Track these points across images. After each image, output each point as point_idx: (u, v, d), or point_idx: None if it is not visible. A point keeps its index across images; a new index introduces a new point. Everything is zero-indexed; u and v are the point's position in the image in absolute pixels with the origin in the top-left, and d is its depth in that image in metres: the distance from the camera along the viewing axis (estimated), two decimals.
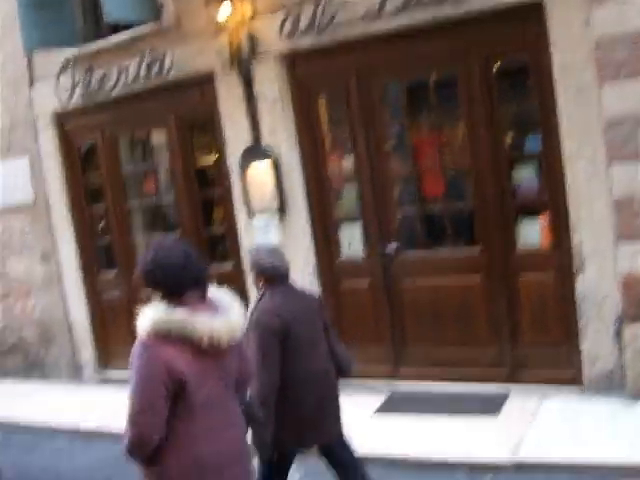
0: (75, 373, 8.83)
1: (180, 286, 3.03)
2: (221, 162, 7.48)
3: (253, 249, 4.44)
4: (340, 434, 4.24)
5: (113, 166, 8.23)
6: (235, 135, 7.20)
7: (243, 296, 7.03)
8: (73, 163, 8.54)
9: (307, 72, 6.91)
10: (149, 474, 3.03)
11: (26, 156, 8.79)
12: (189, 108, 7.59)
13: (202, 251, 7.54)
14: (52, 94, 8.27)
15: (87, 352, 8.67)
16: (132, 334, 3.08)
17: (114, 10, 7.08)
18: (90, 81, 7.85)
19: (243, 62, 7.00)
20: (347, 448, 4.27)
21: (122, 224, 8.28)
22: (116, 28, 7.93)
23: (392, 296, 6.81)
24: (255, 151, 7.10)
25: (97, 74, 7.81)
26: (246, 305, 3.43)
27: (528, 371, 6.27)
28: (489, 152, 6.18)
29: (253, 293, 7.16)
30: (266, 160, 7.01)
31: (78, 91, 7.97)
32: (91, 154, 8.53)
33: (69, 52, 8.06)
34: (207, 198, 7.80)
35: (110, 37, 7.84)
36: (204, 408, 2.98)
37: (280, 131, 6.97)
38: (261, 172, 7.06)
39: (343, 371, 4.27)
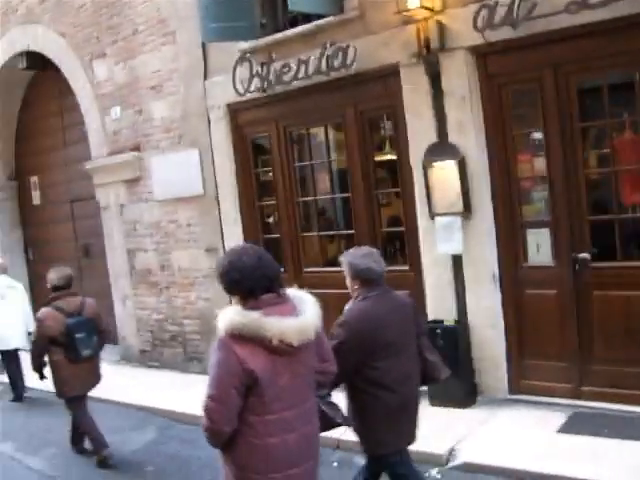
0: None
1: (254, 287, 3.29)
2: (401, 159, 7.33)
3: (349, 252, 4.41)
4: (407, 450, 4.31)
5: (286, 160, 8.22)
6: (419, 131, 7.04)
7: (420, 300, 6.99)
8: (245, 156, 8.60)
9: (499, 67, 6.67)
10: (226, 459, 3.33)
11: (196, 148, 8.95)
12: (370, 102, 7.49)
13: (377, 250, 7.47)
14: (227, 86, 8.35)
15: None
16: None
17: (298, 1, 7.07)
18: (268, 73, 7.85)
19: (431, 55, 6.82)
20: (409, 458, 4.36)
21: (292, 220, 8.26)
22: (294, 20, 7.95)
23: (581, 308, 6.46)
24: (440, 149, 6.91)
25: (275, 66, 7.80)
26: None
27: None
28: None
29: (430, 296, 7.04)
30: (452, 158, 6.81)
31: (254, 83, 7.99)
32: (263, 147, 8.56)
33: (246, 44, 8.12)
34: (384, 196, 7.67)
35: (290, 29, 7.84)
36: (276, 403, 3.22)
37: (468, 128, 6.76)
38: (446, 171, 6.87)
39: (430, 378, 4.35)
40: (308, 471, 3.41)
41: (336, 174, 8.00)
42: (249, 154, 8.60)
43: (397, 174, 7.46)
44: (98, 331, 6.72)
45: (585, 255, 6.40)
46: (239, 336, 3.19)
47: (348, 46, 7.23)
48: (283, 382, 3.24)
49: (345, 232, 7.96)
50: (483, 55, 6.70)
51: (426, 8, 6.72)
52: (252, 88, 8.03)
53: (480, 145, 6.77)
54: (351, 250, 4.46)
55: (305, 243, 8.27)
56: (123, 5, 9.76)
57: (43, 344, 6.49)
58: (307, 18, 7.75)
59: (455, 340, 6.85)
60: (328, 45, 7.36)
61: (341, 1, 7.39)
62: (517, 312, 6.79)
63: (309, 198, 8.25)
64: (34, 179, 13.26)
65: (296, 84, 7.71)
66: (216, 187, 8.76)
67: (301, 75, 7.61)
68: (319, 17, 7.60)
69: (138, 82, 9.69)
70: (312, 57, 7.48)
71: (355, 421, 4.07)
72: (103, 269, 11.53)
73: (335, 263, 7.90)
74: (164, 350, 9.89)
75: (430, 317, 7.11)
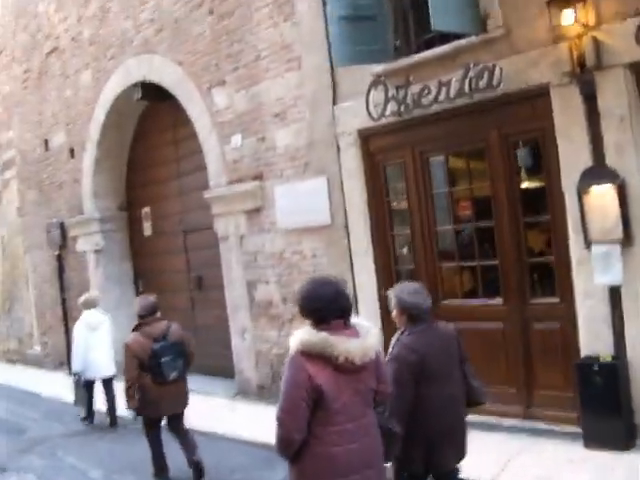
0: None
1: (327, 316, 3.80)
2: (551, 184, 7.04)
3: (398, 286, 4.82)
4: (457, 467, 4.64)
5: (422, 187, 8.02)
6: (571, 155, 6.74)
7: (571, 334, 6.68)
8: (377, 184, 8.43)
9: None
10: (292, 470, 3.82)
11: (324, 176, 8.85)
12: (515, 125, 7.23)
13: (523, 281, 7.20)
14: (358, 111, 8.24)
15: None
16: None
17: (441, 20, 6.91)
18: (405, 97, 7.70)
19: (585, 74, 6.54)
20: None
21: (429, 250, 8.03)
22: (429, 42, 7.80)
23: None
24: (597, 172, 6.58)
25: (413, 89, 7.65)
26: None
27: None
28: None
29: (584, 330, 6.72)
30: (610, 182, 6.49)
31: (390, 107, 7.85)
32: (397, 174, 8.39)
33: (379, 67, 8.01)
34: (532, 224, 7.38)
35: (426, 51, 7.68)
36: (340, 416, 3.71)
37: (627, 150, 6.42)
38: (604, 196, 6.54)
39: (473, 402, 4.73)
40: (380, 472, 3.93)
41: (477, 201, 7.73)
42: (381, 181, 8.42)
43: (545, 201, 7.15)
44: (185, 354, 7.16)
45: None
46: (309, 354, 3.71)
47: (495, 66, 7.01)
48: (345, 397, 3.74)
49: (487, 263, 7.68)
50: None
51: (582, 24, 6.46)
52: (387, 112, 7.89)
53: None
54: (399, 285, 4.88)
55: (443, 274, 8.00)
56: (244, 32, 9.80)
57: (133, 367, 6.86)
58: (444, 39, 7.58)
59: (613, 377, 6.48)
60: (472, 66, 7.16)
61: (484, 20, 7.19)
62: None
63: (447, 227, 8.00)
64: (146, 210, 13.43)
65: (435, 107, 7.52)
66: (345, 216, 8.62)
67: (441, 98, 7.42)
68: (458, 37, 7.42)
69: (260, 109, 9.68)
70: (454, 79, 7.28)
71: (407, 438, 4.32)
72: (217, 301, 11.54)
73: (475, 294, 7.77)
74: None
75: (583, 352, 6.76)
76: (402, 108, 7.77)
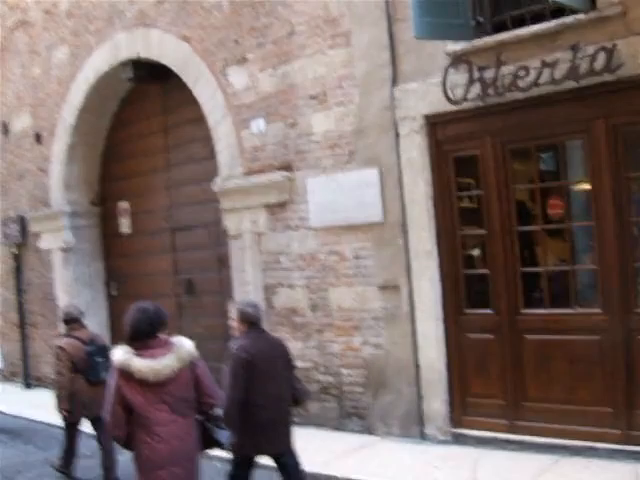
0: (413, 427, 7.65)
1: (138, 337, 4.64)
2: None
3: (238, 301, 6.75)
4: (289, 449, 5.65)
5: (504, 182, 7.05)
6: None
7: None
8: (444, 177, 7.42)
9: None
10: (132, 457, 4.72)
11: (375, 167, 7.79)
12: (628, 115, 6.35)
13: (627, 288, 6.32)
14: (428, 93, 7.27)
15: (438, 403, 7.48)
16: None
17: None
18: (493, 79, 6.74)
19: None
20: (295, 461, 5.69)
21: (508, 253, 7.06)
22: (518, 20, 6.87)
23: None
24: None
25: (498, 72, 6.70)
26: None
27: None
28: None
29: None
30: None
31: (467, 91, 6.89)
32: (468, 167, 7.41)
33: (458, 45, 7.05)
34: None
35: (521, 28, 6.74)
36: (149, 421, 4.54)
37: None
38: None
39: (298, 401, 5.80)
40: (188, 469, 4.70)
41: (573, 199, 6.82)
42: (450, 175, 7.42)
43: None
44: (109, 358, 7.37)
45: None
46: (120, 369, 4.55)
47: (614, 46, 6.12)
48: (152, 407, 4.54)
49: (585, 267, 6.78)
50: None
51: None
52: (462, 98, 6.92)
53: None
54: (241, 300, 7.03)
55: (525, 280, 7.04)
56: (275, 4, 8.67)
57: (67, 370, 7.16)
58: (537, 18, 6.68)
59: None
60: (573, 47, 6.25)
61: None
62: None
63: (533, 227, 7.06)
64: (124, 205, 12.07)
65: (524, 93, 6.58)
66: (403, 213, 7.57)
67: (543, 81, 6.48)
68: (557, 15, 6.52)
69: (292, 91, 8.56)
70: (562, 59, 6.35)
71: (236, 432, 5.21)
72: (211, 308, 10.40)
73: (566, 303, 6.85)
74: (310, 404, 8.57)
75: None
76: (490, 91, 6.79)
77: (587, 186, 6.67)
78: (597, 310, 6.63)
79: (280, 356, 5.67)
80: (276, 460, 5.66)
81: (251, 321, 5.65)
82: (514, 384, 7.10)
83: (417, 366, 7.60)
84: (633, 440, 6.37)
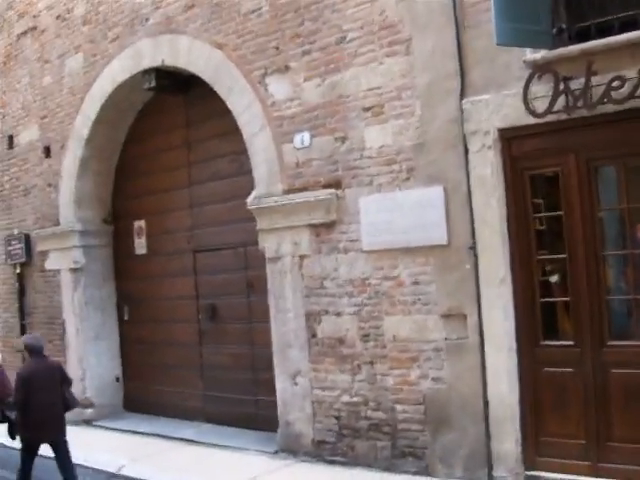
0: (479, 468, 7.07)
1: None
2: None
3: (25, 336, 9.01)
4: (60, 439, 7.53)
5: (588, 203, 6.54)
6: None
7: None
8: (520, 197, 6.89)
9: None
10: None
11: (440, 185, 7.26)
12: None
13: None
14: (501, 107, 6.77)
15: (509, 442, 6.90)
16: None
17: None
18: (583, 90, 6.25)
19: None
20: (65, 448, 7.53)
21: (593, 280, 6.53)
22: (604, 28, 6.39)
23: None
24: None
25: (589, 82, 6.21)
26: None
27: None
28: None
29: None
30: None
31: (552, 103, 6.38)
32: (547, 186, 6.90)
33: (535, 54, 6.57)
34: None
35: (610, 37, 6.25)
36: None
37: None
38: None
39: (70, 406, 7.65)
40: None
41: None
42: (527, 194, 6.89)
43: None
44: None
45: None
46: None
47: None
48: None
49: None
50: None
51: None
52: (541, 110, 6.42)
53: None
54: (26, 335, 9.56)
55: (611, 309, 6.52)
56: (323, 8, 8.16)
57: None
58: (625, 26, 6.20)
59: None
60: None
61: None
62: None
63: (621, 252, 6.55)
64: (139, 224, 11.45)
65: (632, 103, 6.07)
66: (473, 235, 7.04)
67: (619, 95, 6.00)
68: None
69: (343, 102, 8.02)
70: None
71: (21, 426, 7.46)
72: (236, 336, 9.91)
73: None
74: (357, 442, 8.01)
75: None
76: (579, 103, 6.28)
77: None
78: None
79: (53, 374, 7.50)
80: (52, 447, 7.47)
81: (32, 350, 7.54)
82: (597, 422, 6.54)
83: (485, 402, 7.02)
84: None
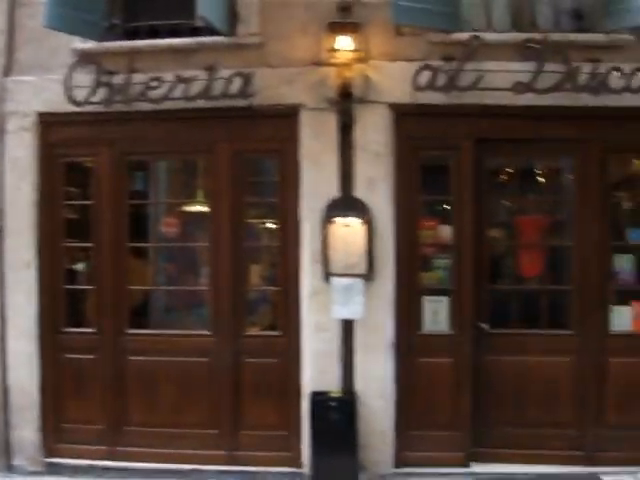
0: (1, 458, 6.99)
1: None
2: (284, 211, 6.89)
3: None
4: None
5: (117, 195, 7.01)
6: (316, 182, 6.66)
7: (291, 367, 6.78)
8: (54, 183, 7.03)
9: (417, 129, 6.72)
10: None
11: None
12: (252, 142, 6.88)
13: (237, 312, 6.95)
14: (43, 90, 6.86)
15: (28, 430, 6.97)
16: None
17: (207, 9, 6.26)
18: (124, 85, 6.65)
19: (346, 103, 6.62)
20: None
21: (116, 270, 7.03)
22: (151, 30, 6.96)
23: (476, 377, 6.74)
24: (345, 204, 6.67)
25: (129, 79, 6.68)
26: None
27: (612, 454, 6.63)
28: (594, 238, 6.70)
29: (310, 364, 6.79)
30: (359, 216, 6.63)
31: (92, 94, 6.69)
32: (84, 175, 7.13)
33: (86, 43, 6.84)
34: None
35: (162, 39, 6.82)
36: None
37: (379, 186, 6.65)
38: (350, 228, 6.64)
39: None
40: None
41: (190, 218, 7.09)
42: (60, 181, 7.05)
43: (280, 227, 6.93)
44: None
45: (484, 325, 6.75)
46: None
47: (251, 74, 6.59)
48: None
49: (196, 288, 7.08)
50: (403, 114, 6.69)
51: (353, 51, 6.52)
52: (95, 99, 6.71)
53: (388, 205, 6.69)
54: None
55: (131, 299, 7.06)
56: None
57: None
58: (174, 32, 6.88)
59: (346, 413, 6.53)
60: (219, 68, 6.61)
61: (234, 22, 6.73)
62: (410, 377, 6.76)
63: (147, 244, 7.19)
64: None
65: (167, 104, 6.67)
66: (1, 217, 6.96)
67: (178, 95, 6.64)
68: (196, 33, 6.82)
69: None
70: (198, 77, 6.60)
71: None
72: None
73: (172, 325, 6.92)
74: None
75: (311, 387, 6.65)
76: (117, 97, 6.70)
77: (206, 207, 6.99)
78: (206, 332, 6.97)
79: None
80: None
81: None
82: (115, 408, 7.00)
83: (5, 389, 6.97)
84: (238, 460, 6.83)
